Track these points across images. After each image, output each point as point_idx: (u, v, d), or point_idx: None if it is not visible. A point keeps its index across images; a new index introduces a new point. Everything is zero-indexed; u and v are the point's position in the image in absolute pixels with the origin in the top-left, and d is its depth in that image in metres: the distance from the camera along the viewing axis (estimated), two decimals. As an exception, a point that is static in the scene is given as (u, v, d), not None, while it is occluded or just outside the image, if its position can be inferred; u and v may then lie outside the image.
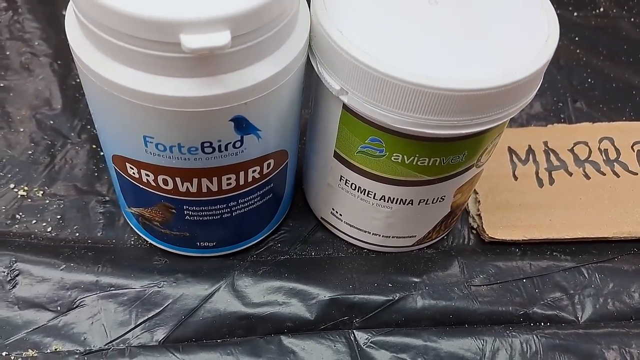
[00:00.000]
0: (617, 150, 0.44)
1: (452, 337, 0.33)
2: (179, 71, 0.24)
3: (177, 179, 0.29)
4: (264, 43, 0.25)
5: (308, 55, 0.29)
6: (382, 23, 0.28)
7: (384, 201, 0.33)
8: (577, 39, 0.54)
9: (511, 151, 0.43)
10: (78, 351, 0.31)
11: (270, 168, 0.31)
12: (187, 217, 0.31)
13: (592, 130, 0.45)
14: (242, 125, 0.27)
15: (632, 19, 0.56)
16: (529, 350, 0.33)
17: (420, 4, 0.29)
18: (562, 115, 0.48)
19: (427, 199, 0.33)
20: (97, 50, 0.24)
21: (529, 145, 0.44)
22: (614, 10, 0.57)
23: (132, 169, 0.29)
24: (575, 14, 0.56)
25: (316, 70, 0.30)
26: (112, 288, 0.33)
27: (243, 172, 0.30)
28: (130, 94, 0.24)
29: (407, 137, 0.29)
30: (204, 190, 0.30)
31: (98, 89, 0.25)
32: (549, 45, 0.28)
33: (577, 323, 0.35)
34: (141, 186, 0.30)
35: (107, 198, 0.38)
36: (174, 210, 0.31)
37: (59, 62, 0.45)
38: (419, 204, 0.33)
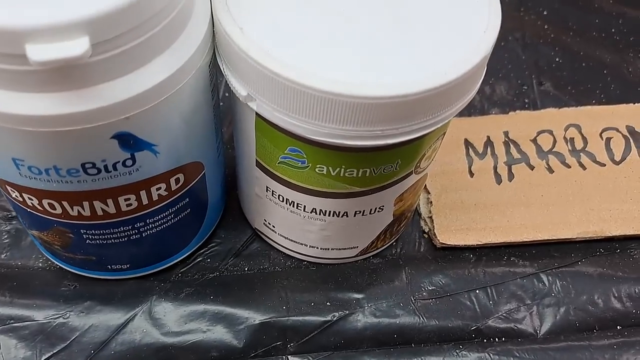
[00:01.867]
0: (585, 139, 0.40)
1: (396, 359, 0.30)
2: (33, 86, 0.20)
3: (64, 203, 0.25)
4: (141, 46, 0.21)
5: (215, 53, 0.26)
6: (289, 18, 0.24)
7: (316, 214, 0.30)
8: (545, 12, 0.50)
9: (467, 144, 0.39)
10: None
11: (181, 183, 0.27)
12: (88, 242, 0.28)
13: (558, 117, 0.41)
14: (129, 142, 0.23)
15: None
16: (480, 372, 0.30)
17: None
18: (526, 100, 0.44)
19: (363, 210, 0.29)
20: None
21: (488, 137, 0.40)
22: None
23: (14, 192, 0.25)
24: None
25: (223, 73, 0.26)
26: (11, 321, 0.30)
27: (144, 191, 0.26)
28: None
29: (329, 148, 0.25)
30: (100, 213, 0.26)
31: None
32: (487, 38, 0.24)
33: (535, 337, 0.32)
34: (29, 210, 0.26)
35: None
36: (71, 235, 0.27)
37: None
38: (354, 216, 0.30)
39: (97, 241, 0.28)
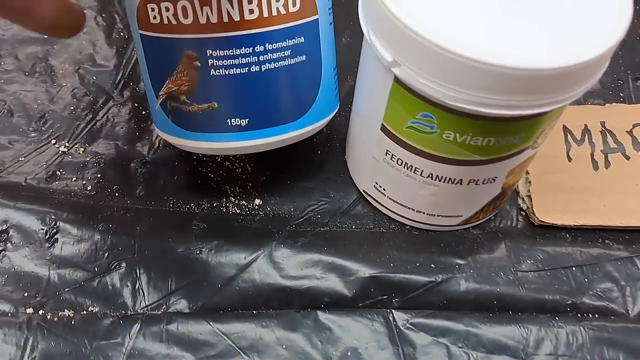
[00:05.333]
0: None
1: (495, 324, 0.32)
2: None
3: (195, 2, 0.28)
4: None
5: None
6: None
7: (431, 179, 0.32)
8: None
9: (566, 130, 0.41)
10: (113, 314, 0.31)
11: (297, 7, 0.30)
12: (212, 72, 0.30)
13: None
14: None
15: None
16: (574, 342, 0.32)
17: None
18: (621, 94, 0.45)
19: (477, 180, 0.31)
20: None
21: (585, 125, 0.41)
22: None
23: (153, 10, 0.29)
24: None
25: (367, 38, 0.28)
26: (149, 251, 0.33)
27: None
28: None
29: (462, 115, 0.27)
30: (225, 19, 0.28)
31: None
32: (622, 22, 0.25)
33: (627, 316, 0.33)
34: (163, 35, 0.29)
35: (148, 159, 0.37)
36: (197, 63, 0.30)
37: (103, 15, 0.45)
38: (468, 184, 0.32)
39: (221, 70, 0.30)
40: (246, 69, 0.30)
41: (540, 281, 0.34)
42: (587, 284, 0.34)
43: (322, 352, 0.31)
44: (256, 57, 0.30)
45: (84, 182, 0.36)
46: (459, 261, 0.34)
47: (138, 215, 0.35)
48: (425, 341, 0.31)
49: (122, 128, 0.39)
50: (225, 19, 0.28)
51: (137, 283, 0.32)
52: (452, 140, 0.29)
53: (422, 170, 0.31)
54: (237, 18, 0.28)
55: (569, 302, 0.33)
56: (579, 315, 0.33)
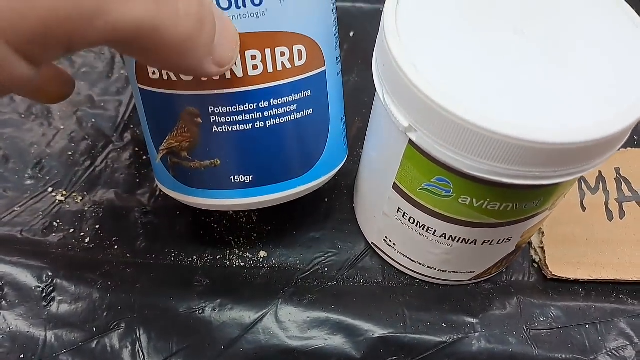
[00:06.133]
0: None
1: (509, 387, 0.31)
2: None
3: None
4: None
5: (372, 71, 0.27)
6: (461, 55, 0.25)
7: (444, 238, 0.31)
8: None
9: (580, 178, 0.40)
10: (113, 378, 0.30)
11: (303, 60, 0.28)
12: (214, 129, 0.29)
13: None
14: None
15: None
16: (591, 407, 0.31)
17: (504, 33, 0.25)
18: (635, 137, 0.44)
19: (492, 240, 0.30)
20: None
21: (600, 172, 0.40)
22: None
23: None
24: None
25: (382, 101, 0.27)
26: (149, 311, 0.32)
27: (269, 50, 0.27)
28: None
29: (478, 182, 0.26)
30: (228, 75, 0.27)
31: None
32: None
33: (644, 378, 0.32)
34: (163, 91, 0.28)
35: (149, 208, 0.36)
36: (199, 120, 0.28)
37: (103, 53, 0.43)
38: (482, 244, 0.31)
39: (224, 127, 0.29)
40: (250, 125, 0.29)
41: (553, 340, 0.33)
42: (601, 342, 0.33)
43: (330, 421, 0.30)
44: (261, 113, 0.29)
45: (82, 233, 0.35)
46: (471, 320, 0.33)
47: (138, 270, 0.33)
48: (438, 407, 0.30)
49: (121, 175, 0.37)
50: (228, 76, 0.27)
51: (137, 344, 0.31)
52: (469, 204, 0.28)
53: (435, 230, 0.30)
54: (240, 74, 0.27)
55: (584, 362, 0.32)
56: (594, 376, 0.32)
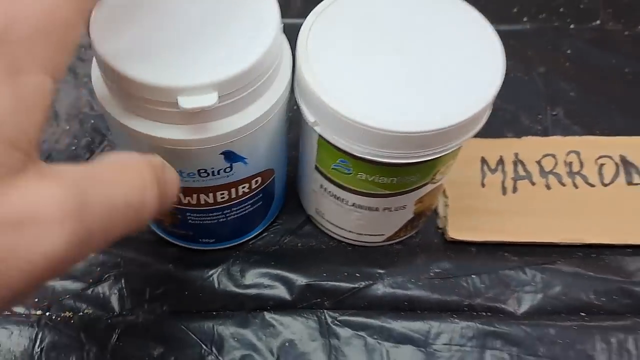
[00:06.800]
0: (581, 163, 0.48)
1: (404, 320, 0.40)
2: (179, 120, 0.30)
3: (181, 195, 0.36)
4: (248, 96, 0.31)
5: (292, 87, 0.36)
6: (352, 69, 0.33)
7: (355, 207, 0.40)
8: (568, 51, 0.56)
9: (483, 161, 0.48)
10: (104, 315, 0.40)
11: (258, 184, 0.38)
12: (190, 221, 0.39)
13: (562, 144, 0.49)
14: (231, 156, 0.33)
15: (627, 32, 0.57)
16: (467, 335, 0.40)
17: (388, 53, 0.33)
18: (539, 127, 0.51)
19: (390, 207, 0.40)
20: (120, 105, 0.31)
21: (500, 156, 0.49)
22: (610, 24, 0.58)
23: None
24: (572, 26, 0.57)
25: (297, 102, 0.36)
26: (133, 267, 0.42)
27: (234, 188, 0.36)
28: (143, 137, 0.31)
29: (369, 162, 0.35)
30: (202, 202, 0.37)
31: (120, 134, 0.32)
32: (489, 91, 0.32)
33: (514, 314, 0.41)
34: None
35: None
36: (179, 216, 0.39)
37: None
38: (383, 211, 0.40)
39: (196, 221, 0.39)
40: (215, 220, 0.39)
41: (445, 286, 0.42)
42: (483, 288, 0.42)
43: (265, 343, 0.39)
44: (224, 215, 0.39)
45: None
46: (380, 271, 0.43)
47: (124, 240, 0.43)
48: (348, 334, 0.40)
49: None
50: (202, 202, 0.37)
51: (122, 291, 0.41)
52: (365, 179, 0.37)
53: (347, 200, 0.40)
54: (211, 202, 0.37)
55: (467, 302, 0.41)
56: (474, 313, 0.41)
